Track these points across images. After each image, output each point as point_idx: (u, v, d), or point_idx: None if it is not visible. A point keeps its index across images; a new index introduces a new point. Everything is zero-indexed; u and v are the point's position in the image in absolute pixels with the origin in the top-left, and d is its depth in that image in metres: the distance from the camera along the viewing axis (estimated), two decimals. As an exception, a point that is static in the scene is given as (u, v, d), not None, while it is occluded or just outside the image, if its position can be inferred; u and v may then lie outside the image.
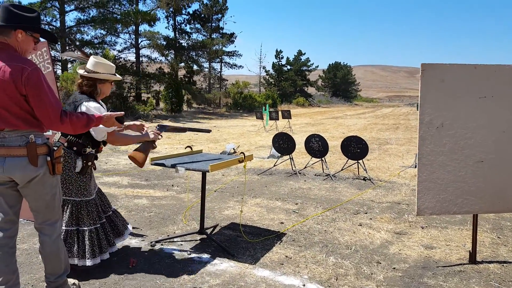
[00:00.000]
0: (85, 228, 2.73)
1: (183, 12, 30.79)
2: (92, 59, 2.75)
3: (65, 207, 2.71)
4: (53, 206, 2.23)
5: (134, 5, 24.76)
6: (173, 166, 3.06)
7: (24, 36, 2.08)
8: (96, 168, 2.94)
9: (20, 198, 2.20)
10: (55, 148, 2.18)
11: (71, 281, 2.49)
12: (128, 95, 24.20)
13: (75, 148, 2.67)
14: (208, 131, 3.72)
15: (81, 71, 2.75)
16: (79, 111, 2.56)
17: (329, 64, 70.40)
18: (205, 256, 3.18)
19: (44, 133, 2.21)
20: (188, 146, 3.76)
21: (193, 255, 3.19)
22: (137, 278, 2.75)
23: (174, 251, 3.25)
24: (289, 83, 48.42)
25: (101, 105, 2.74)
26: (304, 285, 2.73)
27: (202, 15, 32.43)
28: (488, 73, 3.02)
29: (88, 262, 2.70)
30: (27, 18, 2.07)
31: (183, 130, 3.39)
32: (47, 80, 2.10)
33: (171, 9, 27.45)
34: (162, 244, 3.40)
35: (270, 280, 2.79)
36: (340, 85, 67.63)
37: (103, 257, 2.79)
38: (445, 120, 3.02)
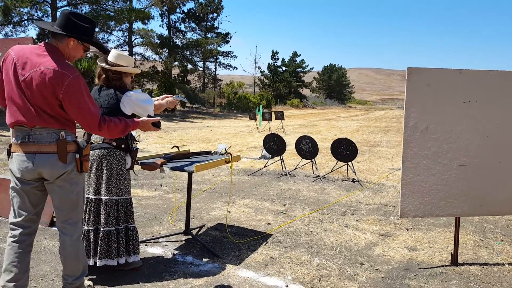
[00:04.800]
0: (134, 225, 2.80)
1: (178, 10, 30.75)
2: (114, 52, 2.73)
3: (118, 207, 2.71)
4: (77, 205, 2.24)
5: (128, 2, 24.63)
6: (160, 166, 3.05)
7: (76, 44, 2.15)
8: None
9: (44, 198, 2.23)
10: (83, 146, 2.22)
11: (86, 282, 2.50)
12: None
13: (123, 146, 2.70)
14: (209, 152, 3.75)
15: (102, 64, 2.71)
16: (128, 101, 2.59)
17: (324, 66, 70.72)
18: (189, 257, 3.17)
19: (74, 133, 2.23)
20: (175, 146, 3.75)
21: (177, 256, 3.18)
22: (118, 279, 2.73)
23: (158, 252, 3.24)
24: (284, 84, 48.52)
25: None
26: (287, 286, 2.74)
27: (197, 14, 32.40)
28: (473, 78, 3.05)
29: (137, 258, 2.78)
30: (82, 28, 2.12)
31: (187, 156, 3.48)
32: (87, 88, 2.14)
33: (165, 7, 27.35)
34: (146, 245, 3.39)
35: (253, 281, 2.79)
36: (335, 87, 67.94)
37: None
38: (430, 124, 3.06)
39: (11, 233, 2.17)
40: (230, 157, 3.40)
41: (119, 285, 2.66)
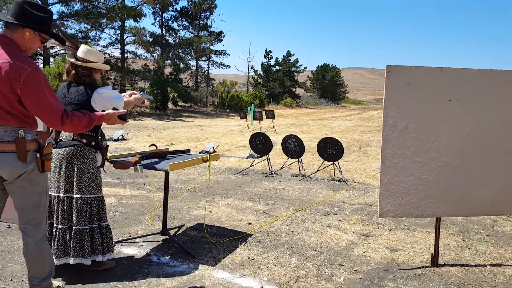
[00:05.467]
0: (107, 223, 2.73)
1: (171, 8, 30.54)
2: (83, 47, 2.66)
3: (91, 205, 2.63)
4: (39, 205, 2.16)
5: (120, 0, 24.41)
6: (133, 165, 2.97)
7: (32, 35, 2.04)
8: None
9: (4, 198, 2.15)
10: (45, 145, 2.12)
11: (55, 283, 2.42)
12: (112, 91, 23.82)
13: (93, 143, 2.63)
14: (187, 151, 3.68)
15: (71, 59, 2.63)
16: (99, 98, 2.53)
17: (318, 66, 70.72)
18: (165, 257, 3.10)
19: (34, 130, 2.14)
20: (152, 144, 3.67)
21: (152, 256, 3.11)
22: (90, 279, 2.65)
23: (133, 252, 3.16)
24: (277, 84, 48.46)
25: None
26: (261, 287, 2.68)
27: (190, 12, 32.22)
28: (453, 77, 3.01)
29: (111, 256, 2.73)
30: (38, 18, 2.02)
31: (164, 154, 3.42)
32: (47, 81, 2.04)
33: (157, 6, 27.15)
34: (122, 245, 3.31)
35: (228, 282, 2.72)
36: (328, 86, 67.98)
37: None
38: (409, 123, 3.01)
39: None
40: (208, 156, 3.32)
41: (91, 284, 2.58)
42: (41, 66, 21.05)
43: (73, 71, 2.62)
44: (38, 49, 2.20)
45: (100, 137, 2.68)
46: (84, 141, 2.59)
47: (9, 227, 3.59)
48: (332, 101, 64.62)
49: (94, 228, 2.65)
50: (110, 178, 5.94)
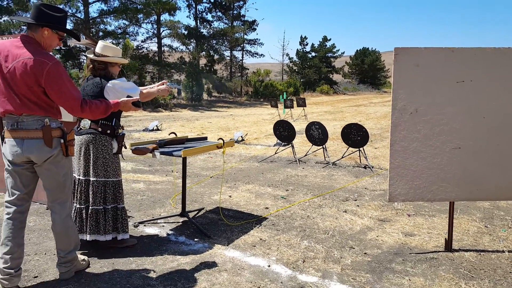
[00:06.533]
0: (123, 205, 2.96)
1: (204, 0, 30.89)
2: (100, 43, 2.89)
3: (106, 188, 2.87)
4: (64, 186, 2.42)
5: (155, -5, 25.08)
6: (151, 151, 3.18)
7: (50, 33, 2.29)
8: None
9: (35, 179, 2.42)
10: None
11: (81, 257, 2.70)
12: (151, 84, 24.74)
13: (109, 131, 2.85)
14: (204, 138, 3.87)
15: (90, 55, 2.89)
16: (111, 89, 2.75)
17: (357, 50, 68.54)
18: (182, 237, 3.31)
19: (58, 119, 2.39)
20: (172, 133, 3.87)
21: (171, 236, 3.33)
22: (112, 254, 2.91)
23: (154, 232, 3.40)
24: (313, 71, 47.72)
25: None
26: (269, 266, 2.81)
27: (223, 3, 32.40)
28: (467, 57, 2.92)
29: (126, 236, 2.95)
30: (54, 17, 2.27)
31: (181, 141, 3.62)
32: (67, 73, 2.30)
33: (191, -2, 27.58)
34: (145, 225, 3.56)
35: (237, 260, 2.88)
36: (368, 71, 65.73)
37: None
38: (419, 106, 2.97)
39: (6, 211, 2.37)
40: (222, 142, 3.47)
41: (112, 258, 2.85)
42: (84, 61, 22.27)
43: (91, 65, 2.87)
44: (57, 46, 2.43)
45: (116, 126, 2.89)
46: (100, 129, 2.81)
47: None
48: (372, 87, 62.56)
49: (107, 209, 2.87)
50: (142, 165, 6.30)
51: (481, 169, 3.01)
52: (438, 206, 4.24)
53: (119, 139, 2.90)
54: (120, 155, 2.96)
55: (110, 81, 2.78)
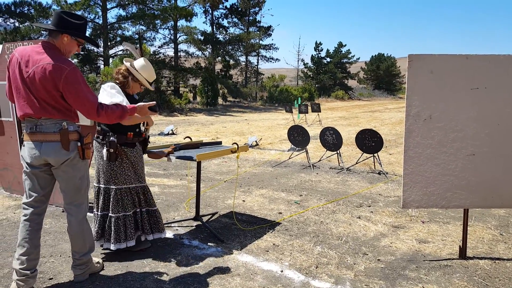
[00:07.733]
0: (129, 213, 2.91)
1: (221, 6, 31.26)
2: (141, 60, 2.94)
3: (105, 195, 2.90)
4: (80, 188, 2.49)
5: (172, 1, 25.52)
6: (166, 155, 3.26)
7: (69, 40, 2.37)
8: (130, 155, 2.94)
9: (52, 182, 2.49)
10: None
11: (95, 259, 2.76)
12: (167, 89, 25.13)
13: (100, 137, 2.88)
14: (219, 143, 3.93)
15: (127, 64, 2.93)
16: (101, 91, 2.79)
17: (372, 56, 68.00)
18: (196, 241, 3.36)
19: (76, 122, 2.47)
20: (187, 137, 3.95)
21: (184, 239, 3.39)
22: (126, 257, 2.99)
23: (168, 236, 3.47)
24: (328, 76, 47.54)
25: (120, 90, 2.81)
26: (282, 271, 2.83)
27: (239, 9, 32.70)
28: (481, 64, 2.91)
29: (132, 243, 2.97)
30: (74, 25, 2.37)
31: (196, 145, 3.64)
32: (84, 78, 2.39)
33: (208, 4, 27.96)
34: (160, 228, 3.63)
35: (250, 265, 2.91)
36: (384, 77, 65.11)
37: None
38: (433, 112, 2.96)
39: (24, 213, 2.44)
40: (236, 146, 3.53)
41: (126, 261, 2.92)
42: (101, 66, 22.82)
43: (118, 69, 2.97)
44: (76, 51, 2.51)
45: (106, 131, 2.83)
46: (98, 136, 2.90)
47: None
48: (387, 92, 61.89)
49: (117, 216, 2.87)
50: (156, 169, 6.42)
51: (496, 176, 2.97)
52: (452, 213, 4.19)
53: (111, 145, 2.75)
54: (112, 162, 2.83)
55: (109, 83, 2.83)
